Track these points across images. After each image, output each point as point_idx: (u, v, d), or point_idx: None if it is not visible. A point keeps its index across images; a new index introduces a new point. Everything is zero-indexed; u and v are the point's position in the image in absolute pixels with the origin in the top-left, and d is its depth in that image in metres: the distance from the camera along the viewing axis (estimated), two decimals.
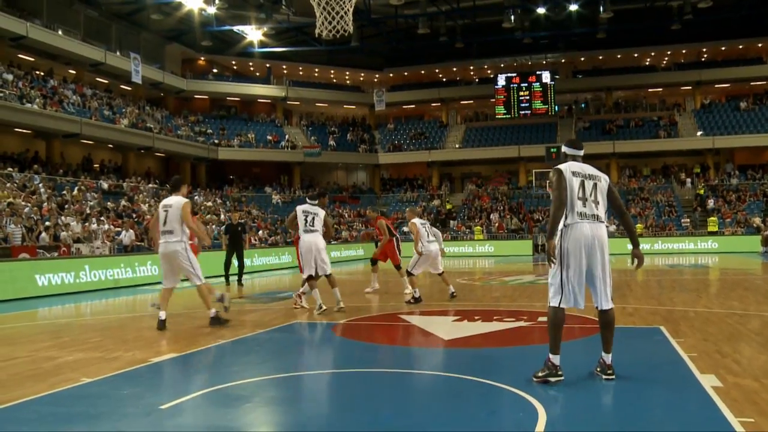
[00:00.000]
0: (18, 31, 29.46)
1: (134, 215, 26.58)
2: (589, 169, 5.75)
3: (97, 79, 36.61)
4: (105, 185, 29.85)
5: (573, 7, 35.97)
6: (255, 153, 42.13)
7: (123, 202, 28.17)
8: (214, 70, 45.18)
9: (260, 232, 32.04)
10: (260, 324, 9.84)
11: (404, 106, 49.42)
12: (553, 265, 5.49)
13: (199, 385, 5.86)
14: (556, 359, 5.49)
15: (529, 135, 44.82)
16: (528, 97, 44.67)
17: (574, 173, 5.63)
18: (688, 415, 4.76)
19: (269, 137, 43.56)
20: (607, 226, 6.52)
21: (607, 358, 5.70)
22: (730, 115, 42.62)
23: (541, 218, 38.16)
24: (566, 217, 5.52)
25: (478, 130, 46.95)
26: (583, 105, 47.53)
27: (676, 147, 42.03)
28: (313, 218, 10.66)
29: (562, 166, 5.69)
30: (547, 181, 5.44)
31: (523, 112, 44.87)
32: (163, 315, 9.22)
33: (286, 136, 44.37)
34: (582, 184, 5.59)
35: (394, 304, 12.29)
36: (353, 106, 49.74)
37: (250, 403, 5.25)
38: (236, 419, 4.78)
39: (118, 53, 35.37)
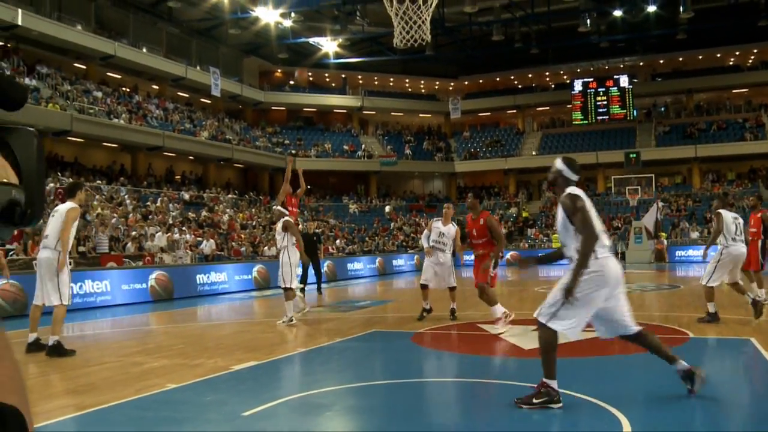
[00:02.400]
0: (107, 50, 30.73)
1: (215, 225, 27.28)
2: None
3: (179, 93, 37.78)
4: (186, 196, 30.71)
5: (651, 9, 35.07)
6: (331, 163, 42.60)
7: (204, 213, 28.92)
8: (291, 82, 45.96)
9: (338, 241, 32.34)
10: (339, 332, 9.91)
11: (480, 114, 49.10)
12: (572, 300, 4.93)
13: (280, 392, 5.95)
14: (554, 384, 5.03)
15: (607, 141, 43.89)
16: (605, 102, 43.77)
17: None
18: None
19: (345, 147, 43.99)
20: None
21: (681, 364, 5.26)
22: None
23: (620, 225, 37.27)
24: (595, 251, 4.98)
25: (554, 136, 46.26)
26: (662, 109, 46.23)
27: (764, 149, 40.27)
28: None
29: (579, 191, 5.14)
30: (564, 208, 4.75)
31: (600, 117, 43.98)
32: (31, 337, 8.24)
33: (362, 146, 44.72)
34: (597, 215, 5.13)
35: (471, 313, 12.19)
36: (428, 115, 49.74)
37: (331, 412, 5.29)
38: (317, 427, 4.83)
39: (198, 68, 36.40)
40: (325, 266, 17.84)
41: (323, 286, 18.35)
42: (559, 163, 5.33)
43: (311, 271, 17.00)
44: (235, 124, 39.57)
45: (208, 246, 23.46)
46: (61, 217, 8.07)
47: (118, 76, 34.05)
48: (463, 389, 6.12)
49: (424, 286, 11.03)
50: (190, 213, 28.05)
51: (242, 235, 27.45)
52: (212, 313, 14.83)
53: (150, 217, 25.04)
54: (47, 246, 8.10)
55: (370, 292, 19.51)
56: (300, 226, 13.23)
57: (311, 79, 46.78)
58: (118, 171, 31.55)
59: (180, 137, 32.44)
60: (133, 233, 21.91)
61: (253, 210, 33.12)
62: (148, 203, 27.16)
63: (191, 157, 35.61)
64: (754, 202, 12.52)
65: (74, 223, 8.15)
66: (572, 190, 5.13)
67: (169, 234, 23.01)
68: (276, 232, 11.51)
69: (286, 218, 11.32)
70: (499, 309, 9.29)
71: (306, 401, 5.57)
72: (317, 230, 21.57)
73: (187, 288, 18.24)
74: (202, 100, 38.74)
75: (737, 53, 43.97)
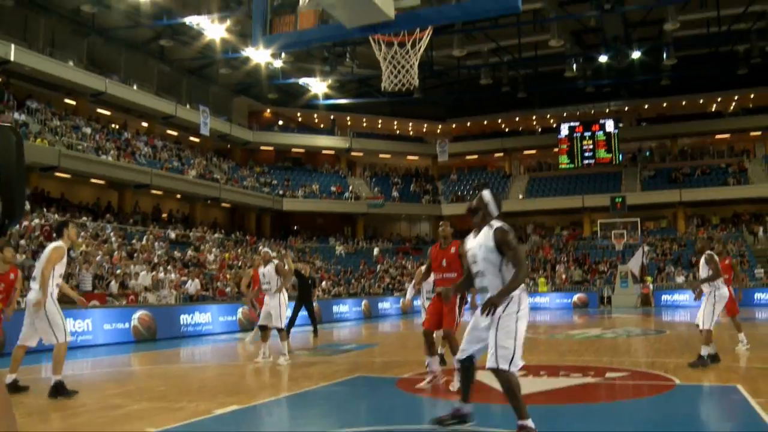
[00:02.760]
0: (98, 87, 30.83)
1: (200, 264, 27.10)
2: None
3: (168, 131, 37.84)
4: (172, 235, 30.55)
5: (635, 55, 35.69)
6: (319, 204, 42.61)
7: (189, 252, 28.75)
8: (280, 122, 46.24)
9: (324, 283, 32.19)
10: (323, 377, 9.78)
11: (467, 157, 49.41)
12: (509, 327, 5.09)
13: None
14: (530, 422, 5.06)
15: (593, 184, 44.21)
16: (591, 146, 44.19)
17: None
18: None
19: (333, 188, 44.06)
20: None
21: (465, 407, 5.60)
22: None
23: (606, 269, 37.36)
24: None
25: (541, 180, 46.58)
26: (647, 153, 46.74)
27: (747, 194, 40.72)
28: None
29: (508, 227, 5.43)
30: (498, 241, 4.85)
31: (586, 161, 44.36)
32: (9, 378, 7.98)
33: (350, 187, 44.81)
34: None
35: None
36: (416, 157, 50.02)
37: None
38: None
39: (188, 106, 36.55)
40: (277, 314, 17.67)
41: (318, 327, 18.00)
42: (487, 195, 5.60)
43: (300, 313, 16.81)
44: (223, 163, 39.61)
45: (193, 286, 23.27)
46: (45, 256, 7.95)
47: (108, 113, 34.11)
48: None
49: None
50: (175, 252, 27.87)
51: (227, 276, 27.26)
52: (195, 355, 14.64)
53: (135, 255, 24.85)
54: (34, 287, 7.94)
55: (355, 335, 19.35)
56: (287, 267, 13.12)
57: (300, 119, 47.14)
58: (105, 208, 31.40)
59: (168, 175, 32.41)
60: (118, 271, 21.72)
61: (239, 250, 32.96)
62: (134, 241, 26.99)
63: (178, 196, 35.53)
64: (717, 250, 12.41)
65: (60, 262, 7.95)
66: (503, 224, 5.36)
67: (154, 273, 22.84)
68: (268, 276, 11.54)
69: (277, 262, 11.66)
70: (437, 365, 8.49)
71: None
72: (315, 275, 21.55)
73: (170, 328, 18.04)
74: (191, 138, 38.81)
75: (719, 100, 44.73)
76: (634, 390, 8.57)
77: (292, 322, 16.54)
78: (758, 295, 32.29)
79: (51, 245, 8.02)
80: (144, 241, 27.15)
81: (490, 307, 5.00)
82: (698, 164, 44.04)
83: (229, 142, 41.66)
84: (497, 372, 5.10)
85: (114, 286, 20.57)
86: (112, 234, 26.48)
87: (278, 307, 11.33)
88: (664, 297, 33.55)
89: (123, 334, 16.57)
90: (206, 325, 19.45)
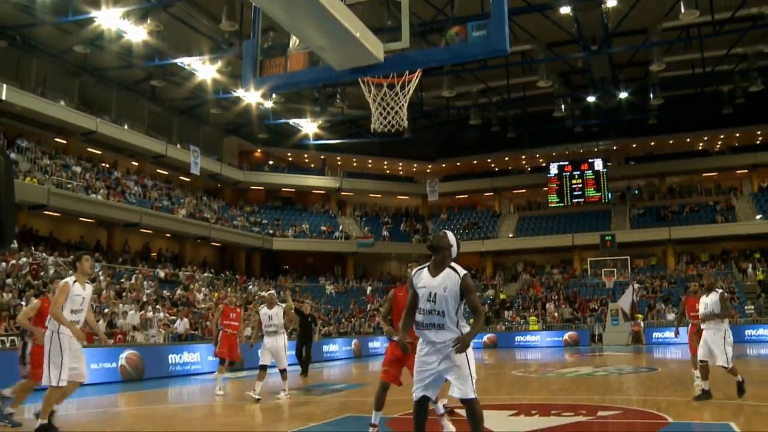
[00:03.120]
0: (89, 126, 30.88)
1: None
2: None
3: (158, 170, 37.85)
4: (162, 274, 30.40)
5: (623, 95, 36.15)
6: (309, 243, 42.54)
7: (179, 291, 28.59)
8: (270, 162, 46.38)
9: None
10: (312, 417, 9.69)
11: (457, 196, 49.58)
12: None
13: None
14: None
15: (583, 223, 44.38)
16: (581, 185, 44.46)
17: None
18: None
19: (323, 228, 44.04)
20: None
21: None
22: None
23: (596, 307, 37.34)
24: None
25: (531, 219, 46.74)
26: (636, 191, 47.05)
27: (735, 231, 40.92)
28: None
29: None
30: (465, 288, 5.05)
31: (576, 200, 44.58)
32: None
33: (340, 227, 44.81)
34: None
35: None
36: (406, 197, 50.17)
37: None
38: None
39: (178, 146, 36.63)
40: (281, 354, 17.39)
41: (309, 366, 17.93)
42: (452, 238, 5.78)
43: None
44: (213, 202, 39.61)
45: (182, 325, 23.10)
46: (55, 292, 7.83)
47: (99, 152, 34.11)
48: None
49: None
50: (164, 291, 27.71)
51: (216, 314, 27.05)
52: (184, 395, 14.49)
53: (124, 294, 24.69)
54: (47, 323, 7.75)
55: (345, 374, 19.21)
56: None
57: (290, 159, 47.33)
58: (93, 247, 31.23)
59: (157, 214, 32.35)
60: (106, 310, 21.55)
61: (229, 289, 32.79)
62: (123, 280, 26.82)
63: (168, 235, 35.41)
64: (695, 288, 12.61)
65: (68, 296, 7.64)
66: (466, 271, 5.59)
67: (142, 312, 22.67)
68: (275, 318, 11.95)
69: (285, 304, 12.55)
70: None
71: None
72: (313, 313, 21.50)
73: (158, 368, 17.87)
74: (182, 177, 38.83)
75: (705, 138, 45.24)
76: (627, 428, 8.54)
77: (300, 358, 17.10)
78: (748, 332, 32.34)
79: (62, 281, 7.86)
80: (133, 280, 27.00)
81: (462, 346, 5.29)
82: (686, 202, 44.33)
83: (220, 181, 41.70)
84: (475, 401, 5.35)
85: (102, 325, 20.39)
86: (100, 273, 26.32)
87: (282, 348, 11.81)
88: (655, 334, 33.51)
89: (110, 374, 16.40)
90: (195, 365, 19.27)
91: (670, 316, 35.03)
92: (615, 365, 19.16)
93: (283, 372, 11.80)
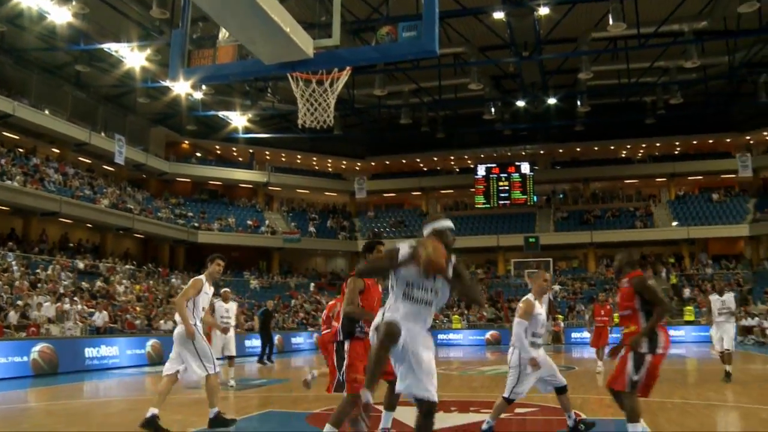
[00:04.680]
0: (5, 109, 29.58)
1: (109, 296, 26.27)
2: None
3: (80, 158, 36.70)
4: (81, 265, 29.54)
5: (552, 101, 36.97)
6: (234, 237, 42.02)
7: (98, 283, 27.86)
8: (198, 154, 45.55)
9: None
10: (234, 411, 9.61)
11: (385, 195, 49.83)
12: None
13: None
14: None
15: (508, 224, 45.21)
16: (507, 187, 45.29)
17: None
18: None
19: (249, 222, 43.58)
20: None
21: None
22: (703, 206, 43.43)
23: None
24: None
25: (457, 219, 47.26)
26: (561, 195, 48.21)
27: (653, 237, 42.52)
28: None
29: None
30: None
31: (502, 201, 45.39)
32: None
33: (267, 222, 44.44)
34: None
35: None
36: (334, 194, 50.12)
37: None
38: None
39: (103, 134, 35.61)
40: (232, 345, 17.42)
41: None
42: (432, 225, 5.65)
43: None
44: (137, 193, 38.70)
45: (100, 318, 22.51)
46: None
47: (16, 137, 32.78)
48: None
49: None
50: (83, 283, 26.95)
51: (138, 308, 26.52)
52: (100, 389, 14.14)
53: (39, 285, 23.91)
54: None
55: (266, 370, 19.07)
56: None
57: (218, 152, 46.62)
58: (7, 235, 30.08)
59: (78, 204, 31.37)
60: (19, 302, 20.82)
61: (151, 282, 32.15)
62: (38, 271, 25.95)
63: (89, 225, 34.41)
64: (603, 297, 13.85)
65: (195, 293, 8.12)
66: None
67: (58, 304, 21.99)
68: (231, 311, 13.47)
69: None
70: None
71: None
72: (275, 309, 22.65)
73: (73, 362, 17.38)
74: (105, 167, 37.78)
75: (628, 146, 46.73)
76: (543, 425, 8.77)
77: (266, 349, 19.85)
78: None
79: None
80: (50, 271, 26.17)
81: None
82: (608, 207, 45.74)
83: (145, 172, 40.77)
84: (431, 404, 4.78)
85: (13, 317, 19.70)
86: (14, 263, 25.41)
87: (233, 339, 13.46)
88: (574, 335, 34.38)
89: (21, 368, 15.85)
90: (113, 359, 18.83)
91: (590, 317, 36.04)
92: None
93: (231, 359, 13.29)
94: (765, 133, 43.17)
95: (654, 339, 6.16)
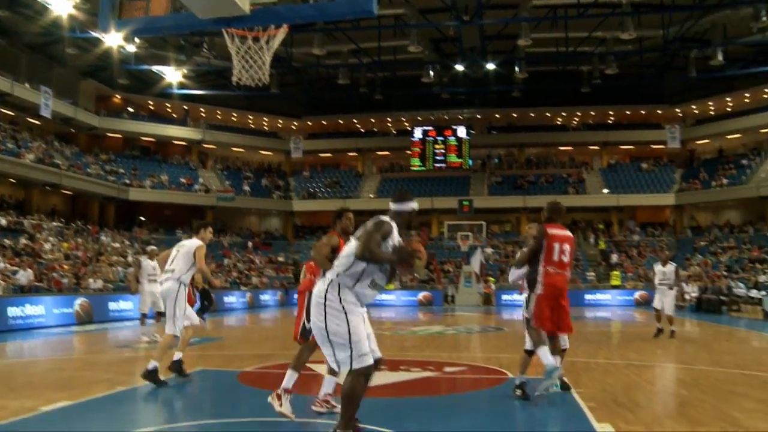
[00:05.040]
0: None
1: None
2: None
3: (3, 110, 35.20)
4: (4, 221, 28.58)
5: (490, 66, 37.17)
6: (167, 195, 41.25)
7: (23, 240, 27.04)
8: (130, 109, 44.22)
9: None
10: (164, 370, 9.55)
11: (321, 155, 49.55)
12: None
13: None
14: None
15: (443, 187, 45.61)
16: (443, 151, 45.58)
17: None
18: None
19: (183, 180, 42.80)
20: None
21: None
22: (633, 174, 44.67)
23: (451, 270, 38.67)
24: None
25: (393, 180, 47.47)
26: (496, 160, 48.77)
27: (584, 203, 43.58)
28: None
29: None
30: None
31: (438, 164, 45.69)
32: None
33: (200, 180, 43.72)
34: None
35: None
36: (270, 153, 49.56)
37: None
38: None
39: (27, 85, 34.15)
40: (159, 301, 17.54)
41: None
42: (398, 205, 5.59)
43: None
44: (65, 148, 37.44)
45: (24, 276, 21.90)
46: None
47: None
48: (283, 429, 6.06)
49: None
50: (6, 240, 26.11)
51: (65, 266, 25.89)
52: (24, 349, 13.83)
53: None
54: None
55: (198, 328, 18.93)
56: (131, 258, 12.95)
57: (151, 107, 45.40)
58: None
59: (0, 158, 30.20)
60: None
61: (80, 240, 31.37)
62: None
63: (12, 180, 33.22)
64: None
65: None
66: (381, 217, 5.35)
67: None
68: (157, 267, 13.22)
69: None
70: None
71: None
72: None
73: None
74: (30, 120, 36.34)
75: (564, 114, 47.47)
76: (471, 383, 8.99)
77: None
78: (588, 296, 34.59)
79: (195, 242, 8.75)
80: None
81: None
82: (542, 173, 46.56)
83: (74, 126, 39.40)
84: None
85: None
86: None
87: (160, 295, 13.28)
88: (505, 297, 35.14)
89: None
90: (38, 318, 18.38)
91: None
92: (465, 325, 20.00)
93: (159, 315, 13.49)
94: (694, 107, 44.56)
95: (534, 282, 7.22)
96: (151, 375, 8.06)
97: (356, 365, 4.74)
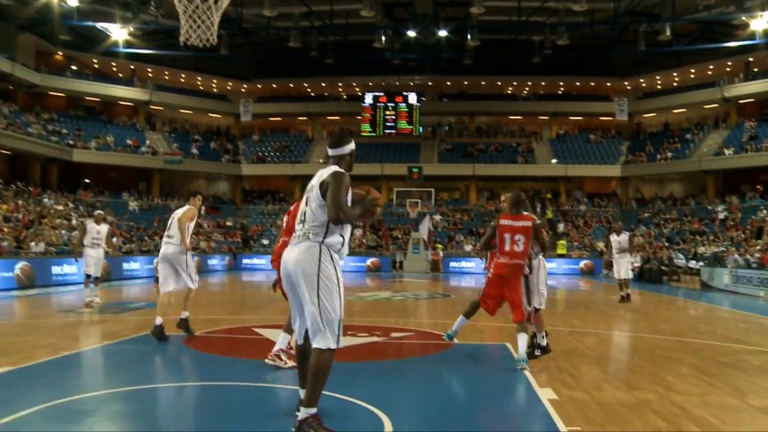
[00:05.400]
0: None
1: None
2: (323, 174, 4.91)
3: None
4: None
5: (442, 33, 37.09)
6: (113, 157, 40.30)
7: None
8: (73, 67, 42.84)
9: (115, 239, 30.69)
10: (109, 335, 9.45)
11: (270, 118, 48.94)
12: None
13: (37, 400, 5.50)
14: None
15: (393, 154, 45.59)
16: (394, 117, 45.49)
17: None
18: (525, 425, 5.04)
19: (129, 141, 41.86)
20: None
21: (303, 413, 4.57)
22: (581, 145, 45.34)
23: (400, 236, 38.88)
24: None
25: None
26: (446, 127, 48.90)
27: (533, 173, 44.20)
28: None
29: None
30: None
31: (388, 131, 45.61)
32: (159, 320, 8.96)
33: (147, 142, 42.84)
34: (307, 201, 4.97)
35: (248, 316, 12.14)
36: (219, 115, 48.75)
37: (93, 418, 5.02)
38: None
39: None
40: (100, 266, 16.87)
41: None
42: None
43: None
44: (3, 106, 36.13)
45: None
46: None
47: None
48: (229, 393, 6.07)
49: None
50: None
51: (5, 229, 25.22)
52: None
53: None
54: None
55: (146, 293, 18.73)
56: (74, 221, 12.66)
57: (96, 66, 44.11)
58: None
59: None
60: None
61: (20, 202, 30.54)
62: None
63: None
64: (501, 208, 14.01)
65: (189, 220, 9.59)
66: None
67: None
68: (103, 233, 14.46)
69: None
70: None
71: (66, 408, 5.25)
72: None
73: None
74: None
75: (514, 83, 47.72)
76: (417, 348, 9.11)
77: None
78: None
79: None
80: None
81: None
82: (492, 141, 46.86)
83: (12, 83, 37.95)
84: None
85: None
86: None
87: (102, 259, 14.45)
88: (453, 264, 35.57)
89: None
90: None
91: (468, 247, 37.32)
92: (412, 291, 20.20)
93: (97, 280, 14.19)
94: (642, 80, 45.26)
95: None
96: (157, 330, 8.80)
97: (341, 344, 4.62)
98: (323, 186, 4.78)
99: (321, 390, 4.56)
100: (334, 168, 4.88)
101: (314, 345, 4.54)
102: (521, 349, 7.23)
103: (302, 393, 4.72)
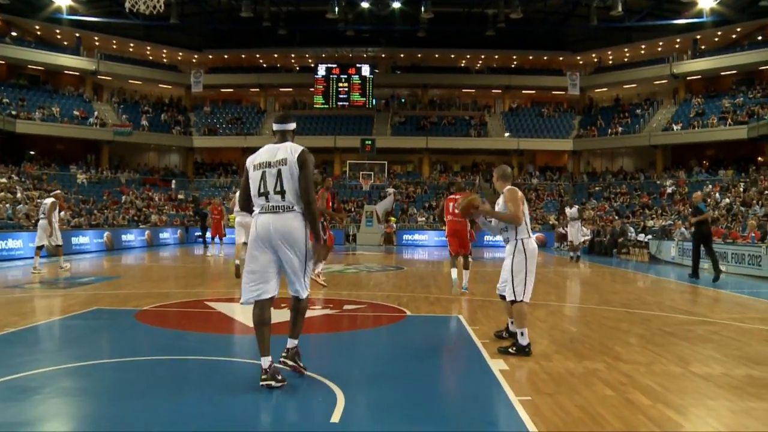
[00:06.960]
0: None
1: None
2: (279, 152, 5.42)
3: None
4: None
5: (396, 5, 36.93)
6: (59, 128, 39.27)
7: None
8: (13, 33, 41.36)
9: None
10: (57, 310, 9.29)
11: (222, 90, 48.25)
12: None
13: None
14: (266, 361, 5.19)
15: (346, 126, 45.42)
16: (347, 89, 45.25)
17: (255, 166, 5.42)
18: (476, 395, 5.12)
19: (76, 112, 40.84)
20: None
21: (291, 342, 5.57)
22: (534, 119, 45.78)
23: (353, 209, 38.87)
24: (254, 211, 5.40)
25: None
26: (400, 100, 48.84)
27: (485, 146, 44.55)
28: None
29: (249, 159, 5.55)
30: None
31: (341, 103, 45.37)
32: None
33: (95, 113, 41.85)
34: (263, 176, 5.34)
35: (201, 290, 12.05)
36: (169, 86, 47.84)
37: (41, 395, 4.94)
38: (23, 413, 4.49)
39: None
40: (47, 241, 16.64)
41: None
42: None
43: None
44: None
45: None
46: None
47: None
48: (183, 367, 6.04)
49: None
50: None
51: None
52: None
53: None
54: None
55: (95, 267, 18.44)
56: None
57: (39, 33, 42.74)
58: None
59: None
60: None
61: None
62: None
63: None
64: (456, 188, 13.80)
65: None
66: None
67: None
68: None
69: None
70: None
71: (13, 385, 5.15)
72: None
73: None
74: None
75: (468, 56, 47.83)
76: (371, 320, 9.16)
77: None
78: (487, 237, 35.51)
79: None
80: None
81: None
82: (445, 114, 47.00)
83: None
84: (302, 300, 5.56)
85: None
86: None
87: (58, 230, 15.76)
88: (406, 237, 35.73)
89: None
90: None
91: (421, 220, 37.54)
92: (365, 264, 20.27)
93: (59, 248, 15.86)
94: (594, 55, 45.84)
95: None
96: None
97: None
98: (300, 163, 5.33)
99: (302, 326, 5.64)
100: (300, 148, 5.48)
101: (296, 295, 5.47)
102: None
103: (264, 361, 5.19)
